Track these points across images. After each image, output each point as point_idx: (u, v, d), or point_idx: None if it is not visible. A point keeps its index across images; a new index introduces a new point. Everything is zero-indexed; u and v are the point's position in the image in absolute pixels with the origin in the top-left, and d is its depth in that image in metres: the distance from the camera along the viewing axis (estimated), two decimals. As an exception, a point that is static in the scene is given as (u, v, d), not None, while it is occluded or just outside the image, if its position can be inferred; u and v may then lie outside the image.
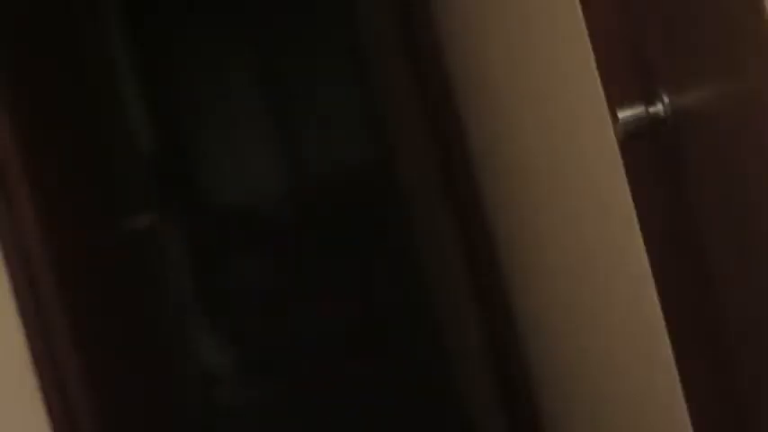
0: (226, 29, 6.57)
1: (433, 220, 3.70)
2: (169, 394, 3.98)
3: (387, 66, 3.84)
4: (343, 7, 4.28)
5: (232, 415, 5.10)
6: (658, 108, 1.56)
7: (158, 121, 6.40)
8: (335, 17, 6.04)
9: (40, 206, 2.70)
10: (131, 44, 6.21)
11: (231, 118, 6.63)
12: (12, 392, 2.57)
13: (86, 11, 4.15)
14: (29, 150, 2.72)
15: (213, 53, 6.58)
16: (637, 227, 1.76)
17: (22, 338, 2.56)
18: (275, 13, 6.47)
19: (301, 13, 6.42)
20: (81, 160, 3.52)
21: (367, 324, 6.11)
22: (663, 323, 1.78)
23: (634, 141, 1.65)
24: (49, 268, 2.64)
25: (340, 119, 6.50)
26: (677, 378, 1.78)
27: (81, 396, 2.67)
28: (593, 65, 1.73)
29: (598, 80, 1.73)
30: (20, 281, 2.56)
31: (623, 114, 1.58)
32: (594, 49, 1.72)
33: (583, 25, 1.73)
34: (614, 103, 1.64)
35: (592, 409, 2.53)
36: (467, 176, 3.01)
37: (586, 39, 1.74)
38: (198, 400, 4.85)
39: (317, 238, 6.47)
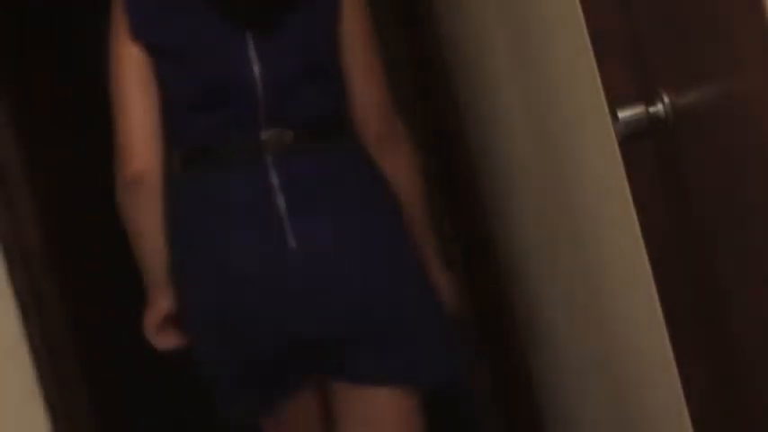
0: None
1: (433, 222, 3.70)
2: (169, 393, 3.98)
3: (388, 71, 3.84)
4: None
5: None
6: (658, 108, 1.56)
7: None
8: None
9: (40, 206, 2.70)
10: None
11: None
12: (12, 391, 2.57)
13: (87, 11, 4.15)
14: (29, 150, 2.72)
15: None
16: (637, 227, 1.76)
17: (22, 338, 2.56)
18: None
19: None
20: (81, 160, 3.52)
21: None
22: (663, 323, 1.78)
23: (634, 141, 1.65)
24: (49, 268, 2.63)
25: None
26: (677, 378, 1.78)
27: (81, 396, 2.67)
28: (594, 65, 1.73)
29: (598, 80, 1.73)
30: (20, 281, 2.56)
31: (623, 114, 1.57)
32: (594, 49, 1.72)
33: (583, 25, 1.73)
34: (614, 103, 1.64)
35: (592, 410, 2.53)
36: (466, 177, 3.01)
37: (586, 39, 1.73)
38: (197, 399, 4.85)
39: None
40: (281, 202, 2.08)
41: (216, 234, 2.12)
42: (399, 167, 2.23)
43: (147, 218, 2.15)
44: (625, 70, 1.69)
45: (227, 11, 2.11)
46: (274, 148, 2.11)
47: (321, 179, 2.13)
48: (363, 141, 2.20)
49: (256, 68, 2.10)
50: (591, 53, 1.73)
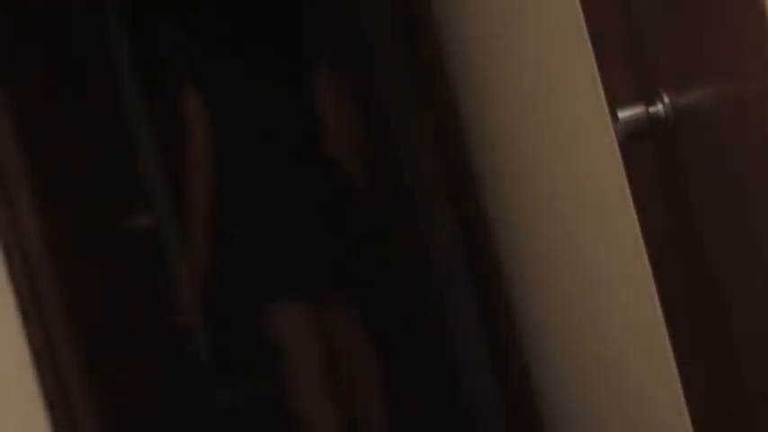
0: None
1: (434, 221, 3.70)
2: (170, 394, 3.98)
3: (388, 72, 3.84)
4: (346, 20, 4.27)
5: (233, 414, 5.10)
6: (658, 108, 1.56)
7: (159, 120, 6.39)
8: (338, 29, 6.03)
9: (40, 206, 2.70)
10: (131, 44, 6.21)
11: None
12: (12, 392, 2.57)
13: (86, 10, 4.15)
14: (29, 150, 2.72)
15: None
16: (637, 227, 1.76)
17: (21, 338, 2.56)
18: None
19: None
20: (81, 160, 3.52)
21: (367, 326, 6.09)
22: (663, 323, 1.78)
23: (634, 141, 1.65)
24: (49, 268, 2.63)
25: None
26: (677, 378, 1.78)
27: (81, 396, 2.67)
28: (594, 65, 1.73)
29: (598, 80, 1.73)
30: (20, 281, 2.56)
31: (623, 114, 1.58)
32: (594, 49, 1.72)
33: (583, 25, 1.73)
34: (614, 103, 1.64)
35: (592, 410, 2.53)
36: (467, 177, 3.01)
37: (586, 39, 1.74)
38: (199, 400, 4.86)
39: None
40: (286, 193, 3.47)
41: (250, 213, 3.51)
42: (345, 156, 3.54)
43: (199, 187, 3.56)
44: (625, 70, 1.69)
45: (258, 80, 3.48)
46: (284, 162, 3.46)
47: (311, 180, 3.48)
48: (332, 151, 3.49)
49: (277, 120, 3.47)
50: (591, 53, 1.73)
